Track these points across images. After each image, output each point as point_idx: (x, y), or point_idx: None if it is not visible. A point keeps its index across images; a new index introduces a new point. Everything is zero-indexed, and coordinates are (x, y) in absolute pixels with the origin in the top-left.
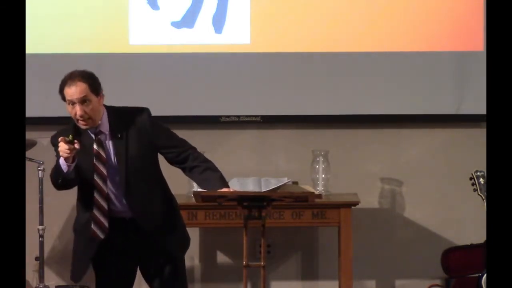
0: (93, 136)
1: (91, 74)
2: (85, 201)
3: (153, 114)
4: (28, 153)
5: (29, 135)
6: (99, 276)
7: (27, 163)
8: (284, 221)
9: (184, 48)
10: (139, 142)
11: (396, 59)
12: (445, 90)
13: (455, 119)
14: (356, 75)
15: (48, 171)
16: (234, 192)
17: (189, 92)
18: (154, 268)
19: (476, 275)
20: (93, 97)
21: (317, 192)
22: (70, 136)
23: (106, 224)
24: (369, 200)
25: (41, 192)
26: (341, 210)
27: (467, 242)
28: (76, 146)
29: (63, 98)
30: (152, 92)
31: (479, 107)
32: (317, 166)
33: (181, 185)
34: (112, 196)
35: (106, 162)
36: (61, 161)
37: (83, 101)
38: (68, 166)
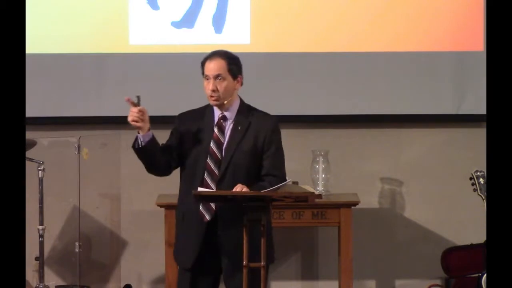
0: (215, 120)
1: (234, 56)
2: (193, 185)
3: (153, 114)
4: (28, 153)
5: (29, 135)
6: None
7: (27, 163)
8: (284, 221)
9: (184, 48)
10: (254, 142)
11: (396, 59)
12: (445, 90)
13: (455, 119)
14: (356, 75)
15: (48, 171)
16: (234, 192)
17: (189, 92)
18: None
19: (476, 275)
20: (228, 77)
21: (317, 192)
22: (136, 97)
23: (214, 206)
24: (369, 200)
25: (41, 192)
26: (341, 210)
27: (467, 242)
28: (140, 108)
29: (203, 74)
30: (152, 92)
31: (479, 107)
32: (317, 166)
33: None
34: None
35: (222, 147)
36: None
37: (217, 76)
38: (141, 136)
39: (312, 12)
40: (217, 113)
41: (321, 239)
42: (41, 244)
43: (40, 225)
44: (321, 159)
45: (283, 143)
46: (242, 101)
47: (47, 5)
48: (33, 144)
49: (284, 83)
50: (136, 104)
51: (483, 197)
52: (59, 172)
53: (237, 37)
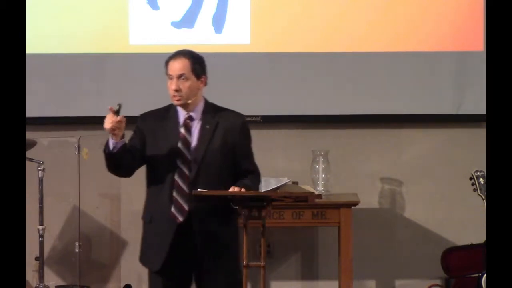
0: (181, 121)
1: (199, 56)
2: (162, 187)
3: None
4: (28, 153)
5: (29, 135)
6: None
7: (27, 163)
8: (284, 221)
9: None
10: (224, 140)
11: (396, 59)
12: (445, 90)
13: (455, 119)
14: (356, 75)
15: (48, 171)
16: (234, 192)
17: None
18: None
19: (476, 275)
20: (192, 77)
21: (317, 192)
22: (118, 106)
23: (186, 207)
24: (369, 200)
25: (41, 192)
26: (341, 210)
27: (467, 242)
28: (118, 118)
29: (167, 72)
30: (152, 92)
31: (479, 107)
32: (317, 166)
33: None
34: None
35: (190, 147)
36: (110, 136)
37: (180, 76)
38: (114, 142)
39: (312, 12)
40: (182, 113)
41: (321, 239)
42: (41, 244)
43: (40, 225)
44: (321, 159)
45: (283, 143)
46: (206, 101)
47: (47, 5)
48: (33, 144)
49: (284, 83)
50: (116, 112)
51: (483, 197)
52: (59, 172)
53: (237, 37)
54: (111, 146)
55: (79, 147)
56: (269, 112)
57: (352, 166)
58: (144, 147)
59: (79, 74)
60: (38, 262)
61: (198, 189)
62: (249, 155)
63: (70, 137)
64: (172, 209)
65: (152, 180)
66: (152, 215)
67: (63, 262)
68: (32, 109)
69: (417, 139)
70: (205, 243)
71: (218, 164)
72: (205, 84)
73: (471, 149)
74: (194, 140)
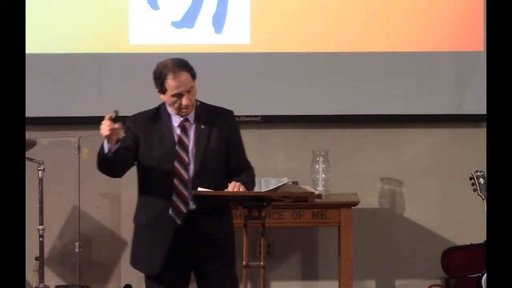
0: (175, 124)
1: (187, 61)
2: (160, 190)
3: None
4: (28, 153)
5: (29, 135)
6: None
7: (27, 163)
8: (284, 221)
9: (184, 48)
10: (219, 139)
11: (396, 59)
12: (445, 90)
13: (455, 119)
14: (356, 75)
15: (48, 171)
16: (234, 192)
17: None
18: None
19: (476, 275)
20: (194, 85)
21: (317, 192)
22: (114, 113)
23: (184, 210)
24: (369, 200)
25: (41, 192)
26: (341, 210)
27: (467, 242)
28: (117, 126)
29: (162, 90)
30: (152, 92)
31: (479, 107)
32: (317, 166)
33: None
34: None
35: (188, 149)
36: (105, 140)
37: (189, 90)
38: (109, 146)
39: (312, 12)
40: (176, 115)
41: (321, 239)
42: (41, 244)
43: (40, 225)
44: (321, 159)
45: (283, 143)
46: (196, 100)
47: (47, 5)
48: (33, 144)
49: (284, 83)
50: (114, 119)
51: (483, 197)
52: (59, 172)
53: (237, 37)
54: (106, 149)
55: (79, 147)
56: (269, 112)
57: (352, 166)
58: (137, 148)
59: (79, 74)
60: (38, 262)
61: (198, 189)
62: (242, 151)
63: (70, 137)
64: (170, 212)
65: (147, 183)
66: (148, 219)
67: (63, 262)
68: (32, 109)
69: (417, 139)
70: (204, 243)
71: (216, 164)
72: None
73: (471, 149)
74: (191, 142)
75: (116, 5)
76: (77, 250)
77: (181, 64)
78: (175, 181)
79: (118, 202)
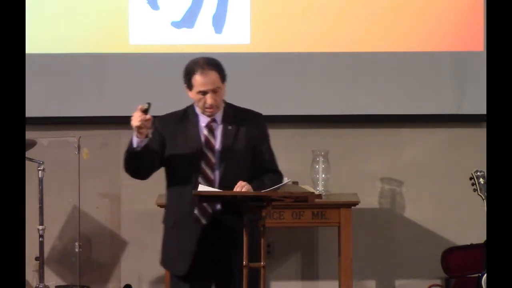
0: (202, 124)
1: (218, 61)
2: (186, 190)
3: (153, 114)
4: (28, 153)
5: (29, 135)
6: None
7: (27, 163)
8: (284, 221)
9: (184, 48)
10: (246, 140)
11: (396, 59)
12: (445, 90)
13: (455, 119)
14: (356, 75)
15: (48, 171)
16: (234, 192)
17: None
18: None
19: (476, 275)
20: (222, 85)
21: (317, 192)
22: (146, 104)
23: (210, 210)
24: (369, 200)
25: (41, 192)
26: (341, 210)
27: (467, 242)
28: (148, 117)
29: (189, 86)
30: (152, 92)
31: (479, 107)
32: (317, 166)
33: None
34: None
35: (214, 149)
36: (134, 134)
37: (214, 90)
38: (138, 141)
39: (312, 12)
40: (204, 116)
41: (321, 239)
42: (41, 244)
43: (40, 225)
44: (321, 159)
45: (283, 143)
46: (224, 101)
47: (47, 5)
48: (33, 144)
49: (284, 83)
50: (145, 111)
51: (483, 197)
52: (59, 172)
53: (237, 37)
54: (135, 144)
55: (79, 147)
56: (269, 112)
57: (352, 166)
58: (163, 150)
59: (79, 74)
60: (38, 262)
61: (199, 188)
62: (269, 153)
63: (70, 137)
64: (196, 212)
65: (174, 184)
66: (175, 220)
67: (63, 262)
68: (32, 109)
69: (417, 139)
70: (228, 243)
71: (242, 165)
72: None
73: (471, 149)
74: (217, 142)
75: (116, 5)
76: (77, 250)
77: (211, 63)
78: (201, 182)
79: (118, 202)
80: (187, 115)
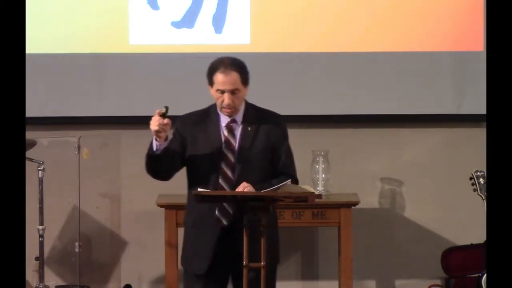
0: (223, 124)
1: (243, 63)
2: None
3: (153, 114)
4: (28, 153)
5: (29, 135)
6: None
7: (27, 163)
8: (284, 221)
9: (184, 48)
10: (266, 142)
11: (396, 59)
12: (445, 90)
13: (455, 119)
14: (356, 75)
15: (48, 171)
16: (234, 192)
17: (189, 92)
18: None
19: (476, 275)
20: (242, 88)
21: (317, 192)
22: (164, 109)
23: (231, 210)
24: (369, 200)
25: (41, 192)
26: (341, 210)
27: (467, 242)
28: (166, 121)
29: (210, 83)
30: (152, 92)
31: (479, 107)
32: (317, 166)
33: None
34: None
35: (234, 150)
36: (153, 138)
37: (233, 91)
38: (158, 144)
39: (312, 12)
40: (225, 116)
41: (321, 239)
42: (41, 244)
43: (40, 225)
44: (321, 159)
45: None
46: (246, 102)
47: (47, 5)
48: (33, 144)
49: (284, 83)
50: (163, 115)
51: (483, 197)
52: (59, 172)
53: (237, 37)
54: (154, 147)
55: (79, 147)
56: None
57: (352, 166)
58: (184, 150)
59: (79, 74)
60: (38, 262)
61: (199, 189)
62: (287, 155)
63: (70, 137)
64: (217, 213)
65: (194, 183)
66: (195, 219)
67: (63, 262)
68: (32, 109)
69: (417, 139)
70: (250, 244)
71: (261, 166)
72: (248, 87)
73: (471, 149)
74: (237, 143)
75: (116, 5)
76: (77, 250)
77: (234, 64)
78: (221, 182)
79: (118, 202)
80: (208, 114)
